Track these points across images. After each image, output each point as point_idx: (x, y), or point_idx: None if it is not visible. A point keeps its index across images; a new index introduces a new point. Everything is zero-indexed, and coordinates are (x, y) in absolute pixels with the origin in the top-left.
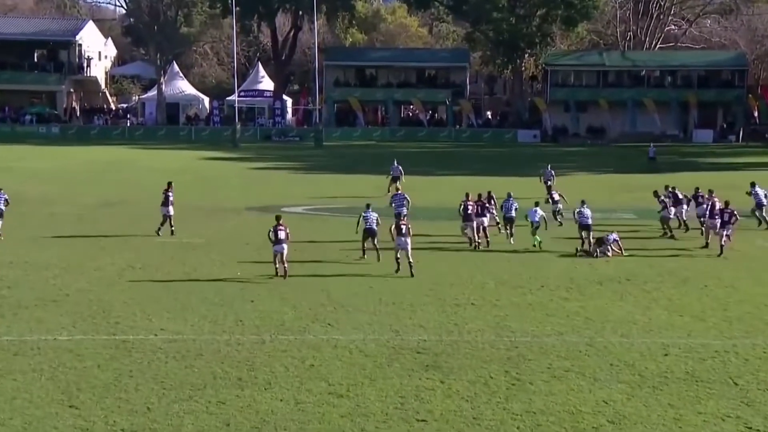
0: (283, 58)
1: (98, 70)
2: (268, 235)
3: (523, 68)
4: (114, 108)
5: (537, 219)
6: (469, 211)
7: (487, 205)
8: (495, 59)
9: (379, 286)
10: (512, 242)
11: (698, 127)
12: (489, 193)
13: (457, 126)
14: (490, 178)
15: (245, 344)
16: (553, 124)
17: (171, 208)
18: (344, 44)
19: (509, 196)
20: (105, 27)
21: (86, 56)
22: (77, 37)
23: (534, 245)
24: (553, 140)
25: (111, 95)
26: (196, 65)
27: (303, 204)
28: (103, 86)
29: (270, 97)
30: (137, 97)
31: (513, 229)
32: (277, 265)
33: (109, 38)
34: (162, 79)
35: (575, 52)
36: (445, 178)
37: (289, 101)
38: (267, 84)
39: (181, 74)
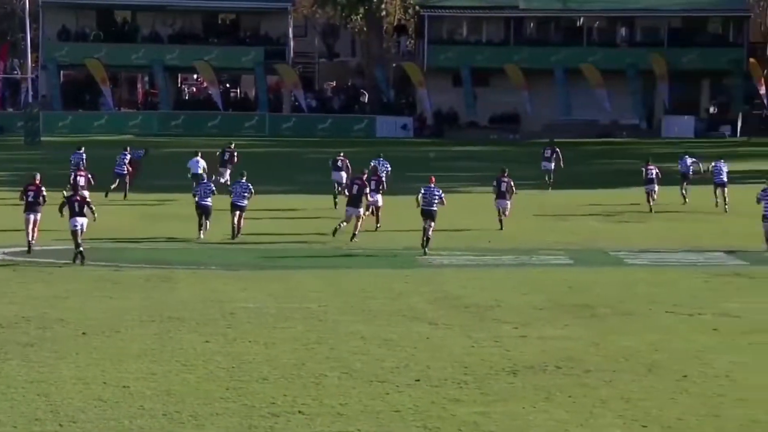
0: None
1: None
2: None
3: (383, 14)
4: None
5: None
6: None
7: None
8: None
9: None
10: None
11: (671, 112)
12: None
13: (274, 110)
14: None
15: None
16: (434, 107)
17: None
18: None
19: (717, 161)
20: None
21: None
22: None
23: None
24: (435, 134)
25: None
26: None
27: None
28: None
29: None
30: None
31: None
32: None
33: None
34: None
35: None
36: None
37: None
38: None
39: None
